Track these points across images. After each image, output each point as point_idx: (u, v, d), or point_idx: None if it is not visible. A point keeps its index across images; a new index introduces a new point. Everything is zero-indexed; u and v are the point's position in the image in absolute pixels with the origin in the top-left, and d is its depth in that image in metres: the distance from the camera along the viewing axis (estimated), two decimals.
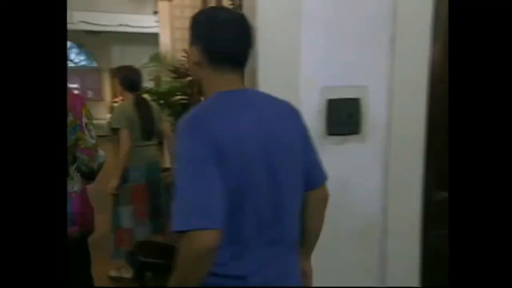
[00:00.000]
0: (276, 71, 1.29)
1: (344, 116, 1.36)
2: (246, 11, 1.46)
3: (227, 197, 0.85)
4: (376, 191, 1.41)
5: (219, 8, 0.97)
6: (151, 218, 2.59)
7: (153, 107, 2.69)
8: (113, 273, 2.71)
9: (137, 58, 7.00)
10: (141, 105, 2.55)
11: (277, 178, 0.92)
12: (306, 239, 1.10)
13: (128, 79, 2.58)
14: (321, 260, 1.33)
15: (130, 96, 2.57)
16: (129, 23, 6.87)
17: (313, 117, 1.34)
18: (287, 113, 1.01)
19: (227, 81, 0.94)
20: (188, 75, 2.83)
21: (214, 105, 0.92)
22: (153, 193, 2.59)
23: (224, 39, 0.91)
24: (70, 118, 1.37)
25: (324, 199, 1.09)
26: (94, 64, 10.09)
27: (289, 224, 0.97)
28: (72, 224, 1.40)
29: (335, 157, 1.37)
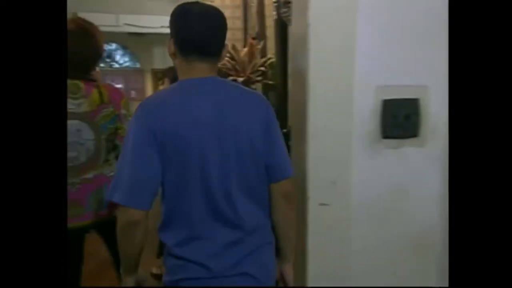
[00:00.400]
0: (328, 70, 1.20)
1: (401, 118, 1.24)
2: (296, 7, 1.37)
3: (171, 182, 0.92)
4: (435, 199, 1.28)
5: (192, 3, 0.99)
6: None
7: None
8: (154, 270, 2.71)
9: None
10: None
11: (227, 165, 0.94)
12: (277, 237, 1.08)
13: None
14: (374, 273, 1.23)
15: None
16: None
17: (366, 118, 1.23)
18: (251, 104, 1.01)
19: (194, 70, 0.98)
20: (230, 75, 2.78)
21: (168, 92, 1.02)
22: None
23: (191, 31, 0.96)
24: (110, 109, 1.47)
25: (286, 195, 1.05)
26: (138, 65, 10.37)
27: (244, 210, 0.97)
28: (105, 207, 1.50)
29: (390, 162, 1.25)
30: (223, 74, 3.05)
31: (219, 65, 3.25)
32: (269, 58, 2.85)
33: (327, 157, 1.22)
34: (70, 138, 1.42)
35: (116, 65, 9.78)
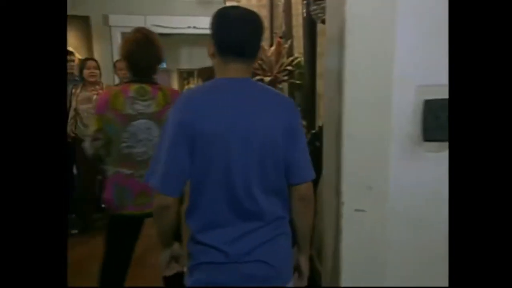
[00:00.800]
0: (365, 67, 1.12)
1: (444, 120, 1.14)
2: (330, 2, 1.29)
3: (197, 173, 0.98)
4: None
5: (231, 7, 1.08)
6: None
7: None
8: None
9: (203, 58, 7.11)
10: None
11: (249, 163, 0.98)
12: (294, 231, 1.11)
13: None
14: (409, 282, 1.15)
15: None
16: (196, 25, 6.99)
17: (406, 119, 1.14)
18: (277, 107, 1.05)
19: (229, 70, 1.03)
20: (257, 74, 2.72)
21: (202, 89, 1.10)
22: None
23: (229, 33, 1.01)
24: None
25: (303, 198, 1.07)
26: (164, 65, 10.47)
27: (263, 204, 1.01)
28: None
29: (431, 166, 1.16)
30: (251, 73, 2.99)
31: None
32: (296, 58, 2.77)
33: (363, 160, 1.14)
34: (141, 135, 1.59)
35: None
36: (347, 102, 1.12)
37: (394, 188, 1.14)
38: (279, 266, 1.04)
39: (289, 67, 2.69)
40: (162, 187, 0.98)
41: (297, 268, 1.14)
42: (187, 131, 0.96)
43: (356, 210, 1.14)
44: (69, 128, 3.04)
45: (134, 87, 1.62)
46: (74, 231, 3.13)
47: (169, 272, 1.15)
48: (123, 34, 7.12)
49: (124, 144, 1.60)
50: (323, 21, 2.00)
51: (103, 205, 1.85)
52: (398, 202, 1.15)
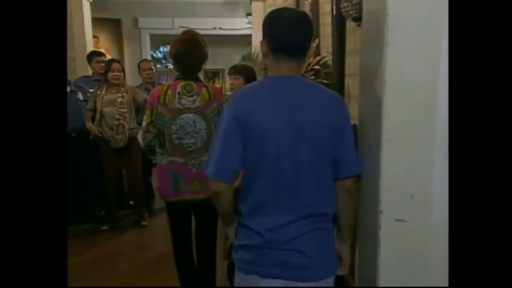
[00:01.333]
0: (408, 65, 1.01)
1: None
2: None
3: (248, 163, 1.04)
4: None
5: (283, 9, 1.09)
6: None
7: None
8: None
9: (229, 59, 7.06)
10: None
11: (298, 157, 1.02)
12: (336, 221, 1.14)
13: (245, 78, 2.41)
14: None
15: None
16: (222, 26, 6.94)
17: None
18: (327, 104, 1.07)
19: (282, 68, 1.07)
20: None
21: (256, 86, 1.14)
22: None
23: (283, 34, 1.05)
24: (215, 105, 1.79)
25: (348, 191, 1.09)
26: None
27: (311, 198, 1.05)
28: None
29: None
30: None
31: None
32: (323, 57, 2.65)
33: (405, 166, 1.03)
34: (188, 128, 1.75)
35: (171, 66, 10.04)
36: (387, 103, 1.02)
37: (438, 197, 1.02)
38: (315, 258, 1.05)
39: (316, 67, 2.58)
40: (214, 174, 1.05)
41: (338, 257, 1.17)
42: (241, 125, 1.02)
43: (396, 220, 1.03)
44: (96, 128, 3.05)
45: (181, 83, 1.77)
46: (105, 227, 3.16)
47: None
48: (151, 36, 7.23)
49: (174, 136, 1.75)
50: (354, 19, 1.88)
51: (160, 195, 1.92)
52: (443, 212, 1.02)
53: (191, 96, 1.76)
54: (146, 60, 3.66)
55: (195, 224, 1.93)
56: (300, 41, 1.06)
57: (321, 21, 3.16)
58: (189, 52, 1.76)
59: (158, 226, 3.27)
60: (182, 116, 1.75)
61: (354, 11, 1.82)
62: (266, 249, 1.04)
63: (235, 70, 2.48)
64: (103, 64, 3.35)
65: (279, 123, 1.01)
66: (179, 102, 1.75)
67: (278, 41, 1.05)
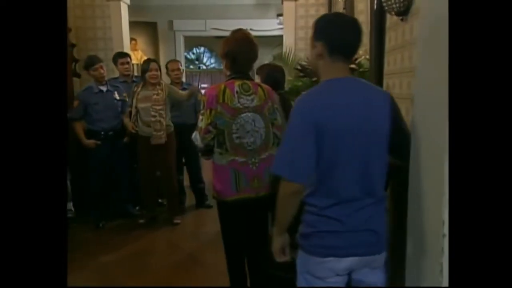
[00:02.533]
0: (440, 64, 0.79)
1: None
2: None
3: (323, 162, 1.08)
4: None
5: (337, 14, 1.24)
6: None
7: None
8: None
9: (260, 59, 6.90)
10: (285, 106, 2.01)
11: (367, 149, 1.09)
12: None
13: (271, 77, 2.22)
14: None
15: None
16: (253, 27, 6.80)
17: None
18: (382, 99, 1.15)
19: (337, 70, 1.13)
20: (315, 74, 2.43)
21: (319, 89, 1.15)
22: None
23: (341, 37, 1.12)
24: (269, 104, 1.74)
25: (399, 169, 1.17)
26: (222, 67, 10.48)
27: (377, 185, 1.14)
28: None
29: None
30: (308, 73, 2.67)
31: (302, 62, 2.87)
32: (359, 55, 2.42)
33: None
34: (248, 127, 1.67)
35: (203, 67, 10.03)
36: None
37: None
38: (382, 235, 1.14)
39: (352, 65, 2.36)
40: (290, 174, 1.06)
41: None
42: (315, 127, 1.05)
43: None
44: (131, 124, 2.99)
45: (238, 83, 1.69)
46: (142, 221, 3.11)
47: (284, 258, 1.24)
48: (185, 37, 7.21)
49: (235, 135, 1.67)
50: (398, 13, 1.66)
51: (214, 194, 1.78)
52: None
53: (249, 95, 1.68)
54: (174, 60, 3.54)
55: (244, 225, 1.82)
56: (356, 43, 1.13)
57: None
58: (244, 50, 1.69)
59: (189, 225, 3.18)
60: (242, 115, 1.67)
61: (398, 5, 1.61)
62: (346, 233, 1.10)
63: (257, 70, 2.33)
64: (127, 66, 3.29)
65: (348, 122, 1.06)
66: (239, 102, 1.66)
67: (338, 44, 1.10)
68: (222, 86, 1.68)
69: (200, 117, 1.69)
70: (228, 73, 1.75)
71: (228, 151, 1.67)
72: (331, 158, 1.08)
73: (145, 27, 7.07)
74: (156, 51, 7.08)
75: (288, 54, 3.89)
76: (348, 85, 1.13)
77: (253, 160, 1.69)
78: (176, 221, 3.12)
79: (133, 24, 4.86)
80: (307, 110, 1.07)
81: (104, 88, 3.04)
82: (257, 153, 1.70)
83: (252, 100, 1.69)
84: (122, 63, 3.27)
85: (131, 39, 6.69)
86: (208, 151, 1.73)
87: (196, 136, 1.69)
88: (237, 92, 1.67)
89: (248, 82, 1.71)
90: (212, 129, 1.65)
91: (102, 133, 2.99)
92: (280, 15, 5.32)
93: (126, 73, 3.30)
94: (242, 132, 1.67)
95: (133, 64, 4.32)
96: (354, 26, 1.13)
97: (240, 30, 1.77)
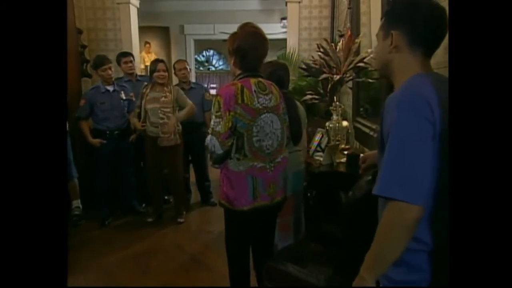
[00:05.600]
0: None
1: None
2: None
3: (439, 174, 0.73)
4: None
5: None
6: (294, 232, 1.89)
7: (300, 108, 1.84)
8: None
9: (264, 61, 6.60)
10: (289, 106, 1.62)
11: None
12: None
13: (274, 75, 1.78)
14: None
15: None
16: None
17: None
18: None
19: (420, 63, 0.83)
20: (324, 72, 2.09)
21: (424, 84, 0.77)
22: (296, 205, 1.86)
23: (425, 27, 0.81)
24: (283, 103, 1.48)
25: None
26: (229, 68, 10.16)
27: None
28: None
29: None
30: (317, 71, 2.30)
31: (307, 61, 2.43)
32: (369, 54, 2.07)
33: None
34: (267, 129, 1.38)
35: (212, 68, 9.69)
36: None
37: None
38: None
39: (361, 64, 2.01)
40: (413, 197, 0.70)
41: None
42: (435, 128, 0.72)
43: None
44: (139, 123, 2.68)
45: (253, 81, 1.38)
46: (150, 219, 2.82)
47: None
48: (195, 41, 6.91)
49: (255, 138, 1.36)
50: None
51: (223, 202, 1.44)
52: None
53: (266, 94, 1.39)
54: (181, 60, 3.21)
55: (255, 233, 1.55)
56: (443, 34, 0.81)
57: (362, 21, 2.58)
58: (254, 46, 1.36)
59: (193, 224, 2.88)
60: (262, 116, 1.37)
61: None
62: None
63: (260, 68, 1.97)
64: (130, 64, 2.98)
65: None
66: (258, 101, 1.36)
67: (419, 35, 0.80)
68: (239, 85, 1.34)
69: (217, 119, 1.32)
70: (238, 71, 1.41)
71: (247, 156, 1.35)
72: (446, 169, 0.70)
73: (158, 31, 6.85)
74: (168, 53, 6.85)
75: (291, 54, 3.56)
76: (440, 81, 0.79)
77: (270, 164, 1.40)
78: (180, 219, 2.81)
79: (147, 29, 4.55)
80: (424, 108, 0.73)
81: (111, 88, 2.73)
82: (274, 156, 1.42)
83: (270, 99, 1.40)
84: (126, 62, 2.96)
85: (146, 42, 6.41)
86: (224, 158, 1.38)
87: (213, 141, 1.33)
88: (255, 91, 1.36)
89: (262, 80, 1.41)
90: (231, 134, 1.33)
91: (108, 132, 2.70)
92: (283, 18, 5.00)
93: (129, 71, 3.00)
94: (262, 135, 1.37)
95: (146, 66, 3.99)
96: (441, 12, 0.81)
97: (248, 23, 1.43)
